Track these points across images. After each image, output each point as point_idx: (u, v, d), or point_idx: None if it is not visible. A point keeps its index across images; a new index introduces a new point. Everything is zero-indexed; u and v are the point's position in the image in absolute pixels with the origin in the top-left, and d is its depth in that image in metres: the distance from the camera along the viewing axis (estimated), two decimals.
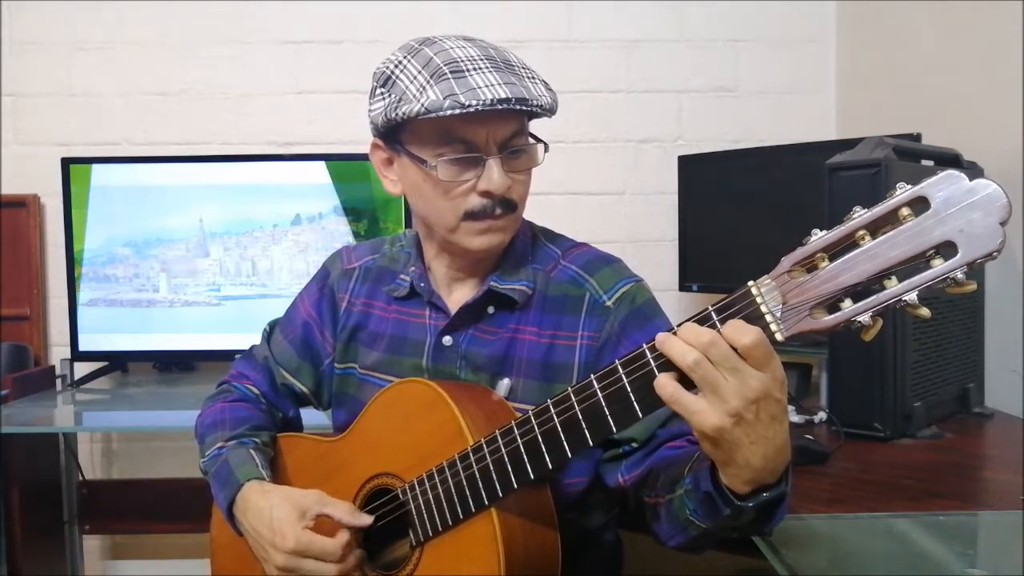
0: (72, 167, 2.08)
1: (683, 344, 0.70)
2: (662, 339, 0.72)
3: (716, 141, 2.22)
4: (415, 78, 0.94)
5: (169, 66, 2.24)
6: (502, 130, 0.96)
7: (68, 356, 2.14)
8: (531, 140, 1.00)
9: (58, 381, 2.16)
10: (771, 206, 1.86)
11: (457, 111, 0.90)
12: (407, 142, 0.99)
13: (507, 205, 0.98)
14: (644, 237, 2.28)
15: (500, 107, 0.90)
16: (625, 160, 2.28)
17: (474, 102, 0.90)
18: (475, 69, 0.93)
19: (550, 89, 0.98)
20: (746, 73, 2.27)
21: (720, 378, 0.69)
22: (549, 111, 0.97)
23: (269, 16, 2.24)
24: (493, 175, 0.95)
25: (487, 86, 0.91)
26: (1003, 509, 1.08)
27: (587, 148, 2.27)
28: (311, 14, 2.24)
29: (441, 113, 0.90)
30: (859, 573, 0.93)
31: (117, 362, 2.20)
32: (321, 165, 2.08)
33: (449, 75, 0.92)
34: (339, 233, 2.08)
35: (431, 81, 0.92)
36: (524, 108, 0.93)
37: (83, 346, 2.10)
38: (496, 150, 0.96)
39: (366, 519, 0.98)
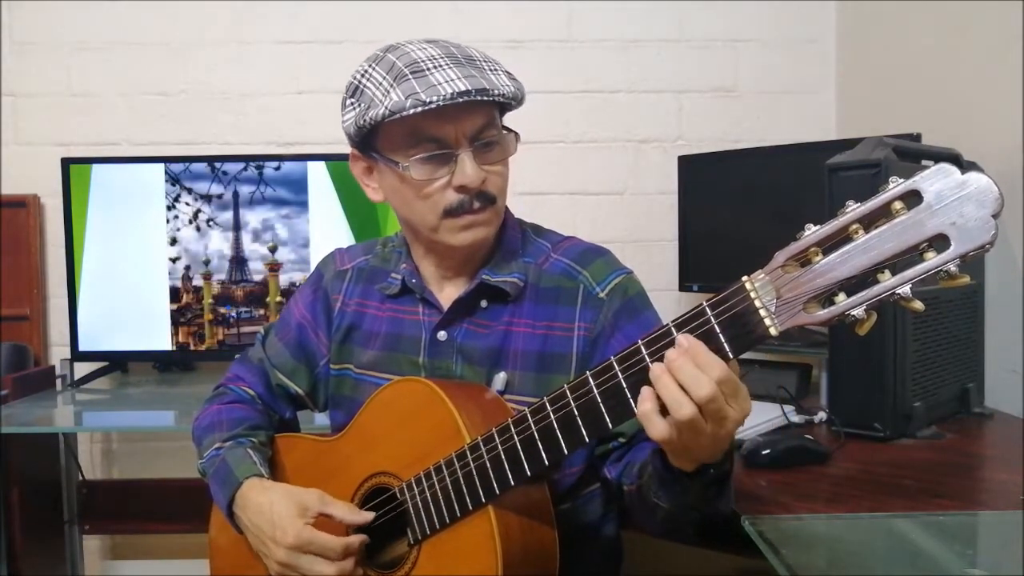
0: (72, 167, 2.07)
1: (681, 394, 0.71)
2: (656, 375, 0.73)
3: (716, 141, 2.21)
4: (380, 84, 0.96)
5: (169, 66, 2.24)
6: (469, 124, 0.97)
7: (68, 356, 2.14)
8: (503, 132, 1.01)
9: (58, 381, 2.15)
10: (771, 206, 1.86)
11: (419, 109, 0.92)
12: (381, 148, 1.01)
13: (485, 198, 0.99)
14: (644, 237, 2.27)
15: (461, 100, 0.92)
16: (625, 160, 2.27)
17: (435, 98, 0.91)
18: (435, 67, 0.95)
19: (514, 79, 0.99)
20: (746, 73, 2.26)
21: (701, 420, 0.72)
22: (513, 99, 0.98)
23: (269, 16, 2.24)
24: (466, 169, 0.97)
25: (447, 81, 0.93)
26: (1003, 509, 1.07)
27: (587, 148, 2.25)
28: (311, 14, 2.24)
29: (405, 113, 0.92)
30: (859, 573, 0.93)
31: (117, 362, 2.20)
32: (321, 165, 2.08)
33: (410, 76, 0.94)
34: (339, 233, 2.08)
35: (394, 84, 0.94)
36: (486, 99, 0.94)
37: (83, 346, 2.10)
38: (467, 144, 0.97)
39: (366, 516, 0.98)
